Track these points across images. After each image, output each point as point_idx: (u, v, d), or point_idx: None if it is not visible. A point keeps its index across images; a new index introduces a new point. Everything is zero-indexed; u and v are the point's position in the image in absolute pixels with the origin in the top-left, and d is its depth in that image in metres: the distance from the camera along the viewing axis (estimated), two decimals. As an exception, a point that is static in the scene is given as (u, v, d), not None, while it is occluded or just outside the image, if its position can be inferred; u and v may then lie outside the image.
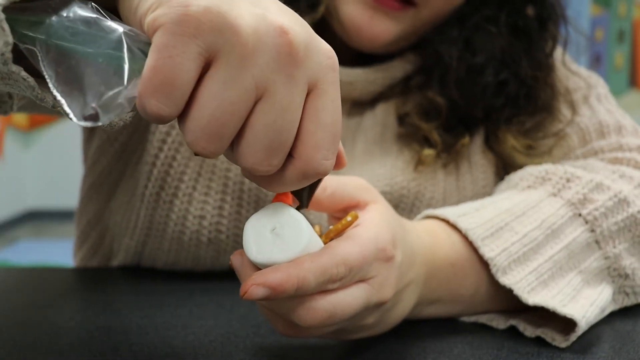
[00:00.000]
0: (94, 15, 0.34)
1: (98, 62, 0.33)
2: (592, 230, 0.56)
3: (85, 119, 0.33)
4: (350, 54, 0.71)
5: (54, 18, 0.33)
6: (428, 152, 0.68)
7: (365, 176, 0.67)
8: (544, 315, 0.53)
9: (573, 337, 0.50)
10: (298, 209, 0.43)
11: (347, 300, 0.42)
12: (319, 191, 0.47)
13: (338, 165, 0.44)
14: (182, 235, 0.67)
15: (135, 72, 0.34)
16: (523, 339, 0.52)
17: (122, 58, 0.33)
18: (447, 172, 0.71)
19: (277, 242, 0.40)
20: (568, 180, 0.59)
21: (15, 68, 0.34)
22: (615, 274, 0.57)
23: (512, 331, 0.54)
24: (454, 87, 0.68)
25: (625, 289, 0.58)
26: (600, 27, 2.25)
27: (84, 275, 0.73)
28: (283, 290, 0.39)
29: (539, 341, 0.52)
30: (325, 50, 0.36)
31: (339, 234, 0.44)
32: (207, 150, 0.34)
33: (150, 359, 0.48)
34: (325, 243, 0.44)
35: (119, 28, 0.34)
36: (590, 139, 0.69)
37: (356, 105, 0.72)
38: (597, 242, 0.56)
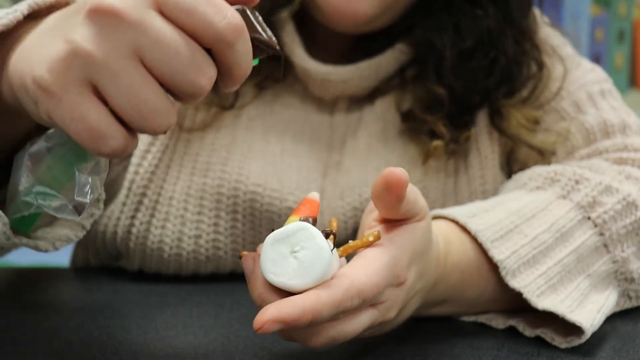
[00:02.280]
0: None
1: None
2: (601, 234, 0.56)
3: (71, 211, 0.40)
4: (344, 50, 0.71)
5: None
6: (437, 143, 0.68)
7: (372, 176, 0.67)
8: (544, 316, 0.53)
9: (576, 342, 0.50)
10: (277, 54, 0.40)
11: (353, 326, 0.42)
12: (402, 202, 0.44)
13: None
14: (179, 258, 0.67)
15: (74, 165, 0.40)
16: (523, 339, 0.52)
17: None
18: (449, 173, 0.70)
19: (296, 266, 0.39)
20: (577, 182, 0.58)
21: (17, 240, 0.41)
22: (622, 278, 0.57)
23: (512, 331, 0.54)
24: (451, 74, 0.68)
25: (629, 292, 0.58)
26: (600, 27, 2.25)
27: (84, 275, 0.73)
28: (297, 325, 0.38)
29: (539, 341, 0.52)
30: None
31: (356, 250, 0.43)
32: (163, 124, 0.36)
33: (150, 359, 0.48)
34: (341, 255, 0.43)
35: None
36: (594, 139, 0.68)
37: (354, 101, 0.72)
38: (605, 245, 0.56)
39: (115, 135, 0.36)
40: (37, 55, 0.36)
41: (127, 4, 0.35)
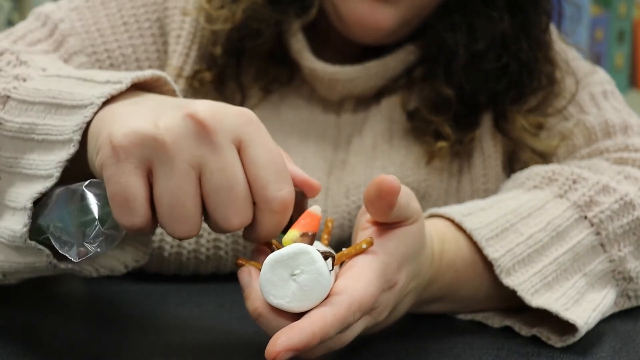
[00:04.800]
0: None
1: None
2: (598, 233, 0.56)
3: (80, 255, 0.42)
4: (353, 52, 0.71)
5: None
6: (442, 143, 0.68)
7: (377, 175, 0.67)
8: (540, 315, 0.53)
9: (570, 340, 0.50)
10: (287, 228, 0.44)
11: (348, 334, 0.42)
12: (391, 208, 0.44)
13: (311, 191, 0.47)
14: (179, 257, 0.67)
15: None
16: (523, 339, 0.52)
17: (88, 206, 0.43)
18: (452, 173, 0.70)
19: (295, 289, 0.39)
20: (574, 182, 0.59)
21: (63, 265, 0.45)
22: (620, 277, 0.57)
23: (513, 331, 0.54)
24: (462, 74, 0.68)
25: (628, 292, 0.58)
26: (600, 27, 2.24)
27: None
28: (309, 349, 0.38)
29: (539, 341, 0.52)
30: (234, 111, 0.42)
31: (350, 257, 0.43)
32: (184, 232, 0.40)
33: (150, 359, 0.48)
34: (335, 264, 0.42)
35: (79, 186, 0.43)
36: (596, 139, 0.68)
37: (361, 101, 0.72)
38: (602, 245, 0.56)
39: (141, 215, 0.40)
40: (122, 121, 0.41)
41: (218, 128, 0.40)
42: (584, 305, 0.53)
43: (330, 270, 0.40)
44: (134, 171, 0.39)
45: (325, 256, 0.40)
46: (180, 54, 0.69)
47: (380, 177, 0.41)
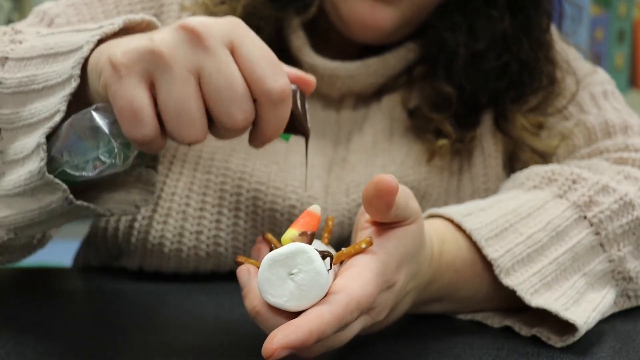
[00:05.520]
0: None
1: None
2: (597, 233, 0.56)
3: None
4: (353, 51, 0.71)
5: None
6: (443, 142, 0.68)
7: (377, 173, 0.67)
8: (540, 315, 0.53)
9: (570, 340, 0.50)
10: (306, 138, 0.48)
11: (346, 333, 0.42)
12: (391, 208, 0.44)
13: (306, 86, 0.49)
14: (179, 253, 0.67)
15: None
16: (523, 339, 0.52)
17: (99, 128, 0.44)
18: (452, 172, 0.70)
19: (293, 288, 0.39)
20: (574, 182, 0.59)
21: (79, 203, 0.46)
22: (619, 277, 0.57)
23: (512, 331, 0.54)
24: (462, 73, 0.68)
25: (628, 292, 0.58)
26: (600, 27, 2.24)
27: (85, 275, 0.73)
28: (306, 347, 0.38)
29: (539, 341, 0.52)
30: (223, 19, 0.43)
31: (350, 257, 0.43)
32: (192, 136, 0.42)
33: (150, 359, 0.48)
34: (334, 263, 0.42)
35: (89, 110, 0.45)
36: (596, 138, 0.68)
37: (361, 98, 0.72)
38: (601, 245, 0.56)
39: (150, 125, 0.41)
40: (119, 45, 0.43)
41: (209, 33, 0.42)
42: (583, 305, 0.53)
43: (328, 270, 0.40)
44: (137, 85, 0.41)
45: (324, 255, 0.40)
46: None
47: (379, 176, 0.41)
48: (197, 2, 0.69)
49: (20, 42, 0.51)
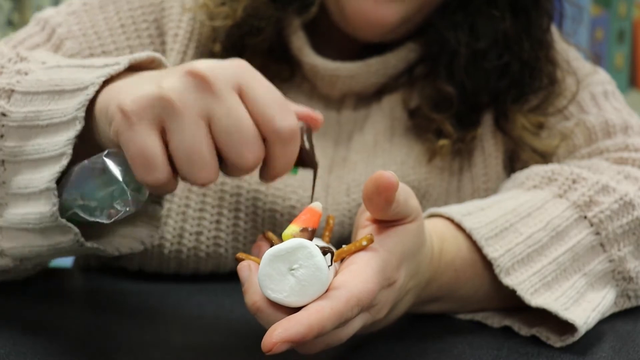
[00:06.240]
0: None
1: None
2: (597, 233, 0.56)
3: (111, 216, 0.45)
4: (353, 50, 0.71)
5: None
6: (443, 142, 0.68)
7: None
8: (540, 315, 0.53)
9: (570, 340, 0.50)
10: (314, 171, 0.50)
11: (346, 331, 0.42)
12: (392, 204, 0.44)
13: (314, 123, 0.51)
14: (179, 254, 0.67)
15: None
16: (523, 339, 0.52)
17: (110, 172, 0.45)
18: (453, 172, 0.71)
19: (293, 284, 0.39)
20: (574, 182, 0.59)
21: (90, 245, 0.48)
22: (620, 277, 0.57)
23: (512, 331, 0.54)
24: (463, 73, 0.68)
25: (628, 292, 0.58)
26: (600, 27, 2.25)
27: (84, 275, 0.73)
28: (305, 341, 0.38)
29: (539, 341, 0.52)
30: (230, 62, 0.45)
31: (350, 254, 0.43)
32: (205, 178, 0.43)
33: (150, 359, 0.48)
34: (335, 260, 0.42)
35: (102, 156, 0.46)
36: (596, 138, 0.69)
37: (362, 98, 0.72)
38: (602, 245, 0.56)
39: (162, 170, 0.43)
40: (128, 91, 0.44)
41: (217, 78, 0.43)
42: (583, 305, 0.53)
43: (329, 266, 0.40)
44: (148, 131, 0.42)
45: (324, 251, 0.40)
46: (178, 52, 0.69)
47: (378, 172, 0.42)
48: (198, 4, 0.69)
49: (27, 74, 0.52)
